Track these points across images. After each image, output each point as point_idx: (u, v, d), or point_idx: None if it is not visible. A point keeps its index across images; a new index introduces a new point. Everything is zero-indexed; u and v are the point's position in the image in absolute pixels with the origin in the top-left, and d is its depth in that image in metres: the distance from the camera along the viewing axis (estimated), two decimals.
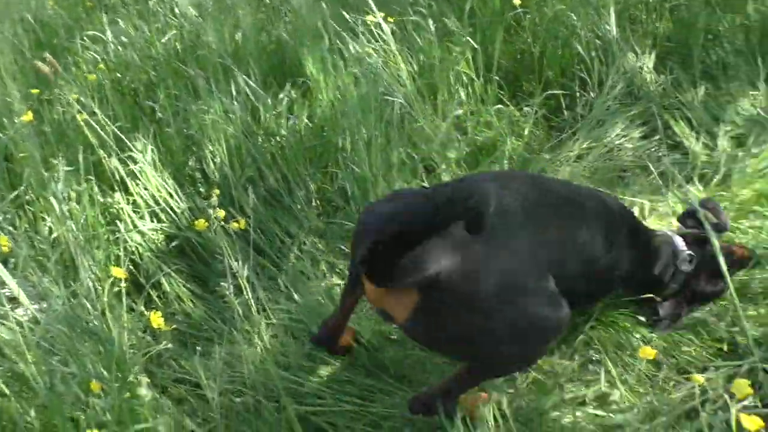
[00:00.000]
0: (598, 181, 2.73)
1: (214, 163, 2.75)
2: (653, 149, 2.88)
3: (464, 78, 2.93)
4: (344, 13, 3.06)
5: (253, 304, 1.79)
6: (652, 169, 2.72)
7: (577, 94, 3.04)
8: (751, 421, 1.12)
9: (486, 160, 2.81)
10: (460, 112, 2.85)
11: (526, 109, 2.98)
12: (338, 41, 3.01)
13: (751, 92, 2.97)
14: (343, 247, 2.57)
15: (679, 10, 3.18)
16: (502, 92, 3.07)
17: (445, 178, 2.74)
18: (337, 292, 2.37)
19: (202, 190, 2.76)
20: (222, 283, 1.83)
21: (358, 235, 1.73)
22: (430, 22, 2.97)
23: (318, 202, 2.79)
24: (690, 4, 3.12)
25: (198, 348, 2.11)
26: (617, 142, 2.91)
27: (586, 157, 2.86)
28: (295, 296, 2.38)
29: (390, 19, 3.02)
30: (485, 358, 1.71)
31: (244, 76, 2.95)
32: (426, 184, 2.71)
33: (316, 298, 2.40)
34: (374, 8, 2.84)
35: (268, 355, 1.78)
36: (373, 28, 2.99)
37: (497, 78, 3.02)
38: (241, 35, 3.42)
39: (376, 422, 1.97)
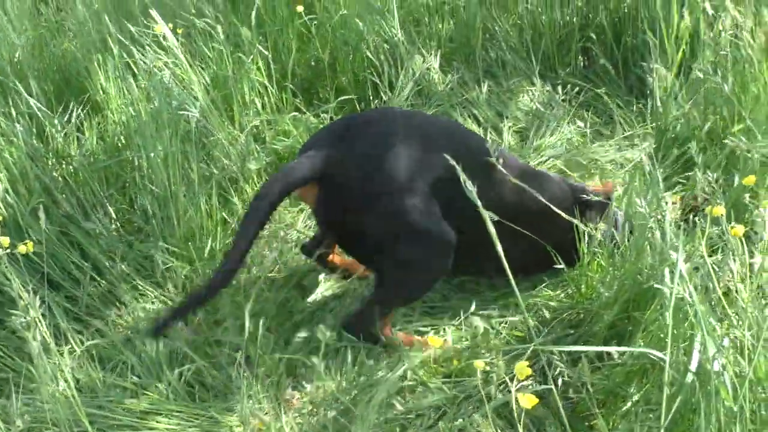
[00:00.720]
0: None
1: None
2: None
3: (259, 88, 2.93)
4: (129, 25, 2.95)
5: (48, 337, 1.70)
6: None
7: (371, 97, 3.13)
8: (528, 399, 1.22)
9: None
10: (257, 122, 2.85)
11: (323, 115, 3.03)
12: (125, 55, 2.91)
13: (528, 87, 3.20)
14: (146, 268, 2.51)
15: (459, 11, 3.35)
16: (298, 100, 3.11)
17: (249, 189, 2.73)
18: (145, 316, 2.34)
19: None
20: (13, 317, 1.72)
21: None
22: (220, 31, 2.93)
23: (118, 224, 2.69)
24: (468, 4, 3.28)
25: None
26: None
27: None
28: (97, 323, 2.30)
29: (178, 31, 2.96)
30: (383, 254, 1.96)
31: (25, 96, 2.79)
32: (235, 199, 2.69)
33: (121, 322, 2.34)
34: (159, 19, 2.76)
35: (71, 388, 1.71)
36: (161, 39, 2.92)
37: (291, 86, 3.05)
38: (20, 52, 3.22)
39: None
